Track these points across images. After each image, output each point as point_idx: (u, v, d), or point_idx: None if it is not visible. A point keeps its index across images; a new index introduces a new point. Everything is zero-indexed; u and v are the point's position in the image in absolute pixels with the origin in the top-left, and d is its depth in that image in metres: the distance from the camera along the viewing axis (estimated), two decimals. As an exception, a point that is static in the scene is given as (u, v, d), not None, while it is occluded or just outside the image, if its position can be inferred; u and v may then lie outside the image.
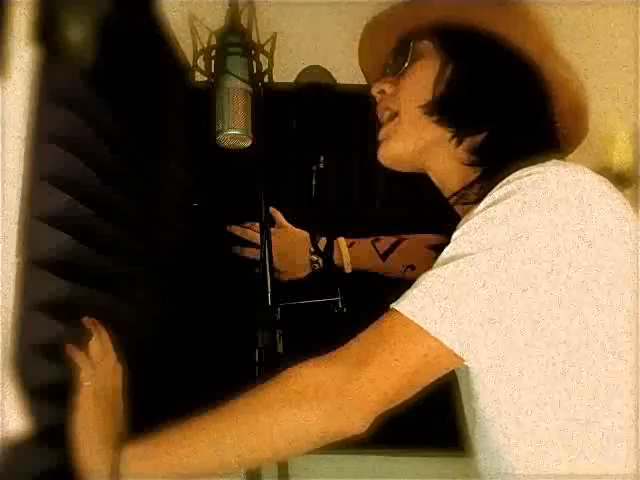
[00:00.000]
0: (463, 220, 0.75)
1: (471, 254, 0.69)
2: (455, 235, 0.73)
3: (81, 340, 0.78)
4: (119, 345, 0.82)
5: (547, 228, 0.68)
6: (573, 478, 0.72)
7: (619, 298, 0.70)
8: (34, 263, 0.71)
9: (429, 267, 0.72)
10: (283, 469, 0.98)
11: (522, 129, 0.81)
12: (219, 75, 1.00)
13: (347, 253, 1.22)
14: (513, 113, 0.82)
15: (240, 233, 1.26)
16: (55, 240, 0.73)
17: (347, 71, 1.03)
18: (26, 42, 0.70)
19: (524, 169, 0.73)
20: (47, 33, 0.71)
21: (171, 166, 1.19)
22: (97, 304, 0.83)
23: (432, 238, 1.05)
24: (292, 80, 1.05)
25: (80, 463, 0.73)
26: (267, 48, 1.02)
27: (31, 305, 0.71)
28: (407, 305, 0.70)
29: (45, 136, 0.72)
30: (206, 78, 1.02)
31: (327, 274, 1.22)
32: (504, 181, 0.73)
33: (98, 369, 0.78)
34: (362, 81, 1.01)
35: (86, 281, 0.78)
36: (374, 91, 0.91)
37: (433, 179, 0.90)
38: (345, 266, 1.22)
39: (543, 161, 0.74)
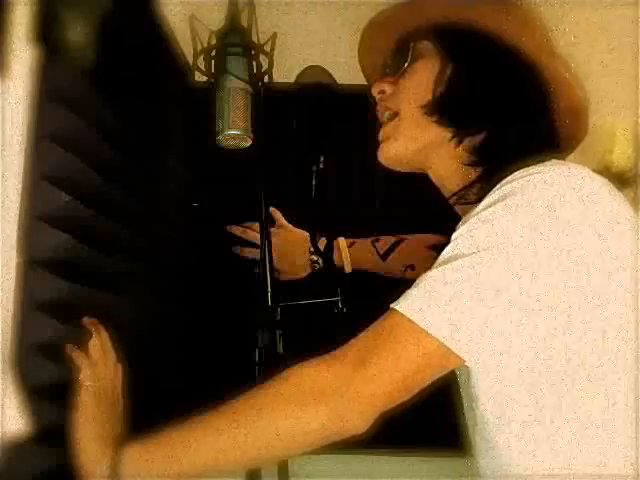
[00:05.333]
0: (463, 220, 0.75)
1: (471, 254, 0.69)
2: (455, 235, 0.73)
3: (81, 340, 0.78)
4: (119, 345, 0.82)
5: (546, 229, 0.68)
6: (573, 478, 0.72)
7: (619, 297, 0.70)
8: (34, 263, 0.71)
9: (429, 267, 0.72)
10: (283, 469, 0.98)
11: (522, 129, 0.81)
12: (219, 75, 1.00)
13: (347, 253, 1.22)
14: (513, 113, 0.82)
15: (240, 233, 1.26)
16: (55, 240, 0.73)
17: (347, 71, 1.03)
18: (26, 42, 0.70)
19: (524, 169, 0.73)
20: (47, 33, 0.71)
21: (171, 165, 1.19)
22: (97, 304, 0.83)
23: (432, 238, 1.05)
24: (292, 80, 1.05)
25: (80, 463, 0.73)
26: (267, 48, 1.02)
27: (31, 305, 0.70)
28: (407, 305, 0.70)
29: (45, 136, 0.72)
30: (206, 78, 1.02)
31: (327, 274, 1.22)
32: (504, 181, 0.73)
33: (98, 369, 0.78)
34: (362, 81, 1.01)
35: (86, 281, 0.78)
36: (374, 91, 0.91)
37: (433, 179, 0.90)
38: (345, 266, 1.22)
39: (543, 161, 0.74)
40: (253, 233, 1.23)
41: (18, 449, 0.69)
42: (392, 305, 0.71)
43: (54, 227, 0.72)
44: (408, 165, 0.90)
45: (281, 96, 1.01)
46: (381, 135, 0.90)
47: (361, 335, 0.72)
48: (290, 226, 1.27)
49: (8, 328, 0.69)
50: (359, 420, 0.69)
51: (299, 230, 1.27)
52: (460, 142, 0.84)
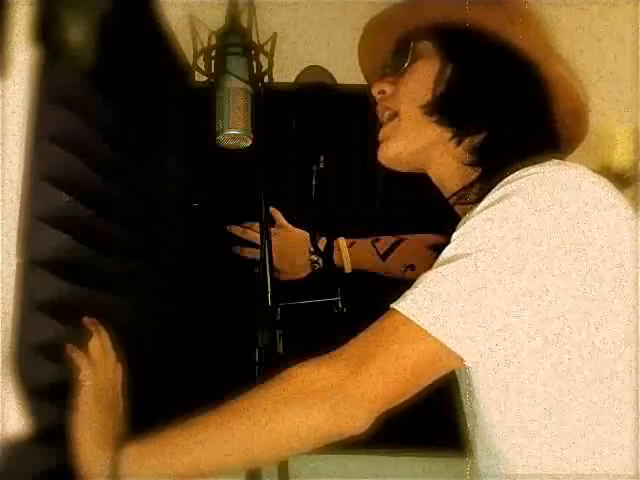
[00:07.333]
0: (463, 220, 0.75)
1: (471, 254, 0.69)
2: (455, 235, 0.73)
3: (81, 340, 0.78)
4: (119, 345, 0.82)
5: (547, 228, 0.68)
6: (573, 478, 0.72)
7: (619, 297, 0.70)
8: (34, 263, 0.71)
9: (429, 267, 0.72)
10: (283, 469, 0.98)
11: (522, 129, 0.81)
12: (219, 75, 1.00)
13: (347, 253, 1.22)
14: (513, 113, 0.82)
15: (240, 233, 1.27)
16: (55, 240, 0.73)
17: (347, 71, 1.03)
18: (26, 42, 0.70)
19: (524, 169, 0.73)
20: (47, 33, 0.71)
21: (171, 165, 1.20)
22: (97, 304, 0.83)
23: (432, 238, 1.05)
24: (292, 80, 1.05)
25: (80, 463, 0.73)
26: (267, 48, 1.02)
27: (31, 305, 0.71)
28: (407, 305, 0.70)
29: (45, 136, 0.72)
30: (206, 78, 1.02)
31: (327, 274, 1.22)
32: (504, 181, 0.73)
33: (98, 369, 0.78)
34: (362, 81, 1.01)
35: (86, 281, 0.78)
36: (374, 91, 0.91)
37: (433, 179, 0.90)
38: (345, 266, 1.22)
39: (543, 161, 0.74)
40: (253, 233, 1.23)
41: (18, 449, 0.69)
42: (392, 305, 0.71)
43: (54, 227, 0.72)
44: (408, 165, 0.90)
45: (281, 96, 1.01)
46: (381, 135, 0.90)
47: (361, 335, 0.72)
48: (290, 226, 1.27)
49: (8, 328, 0.69)
50: (359, 420, 0.69)
51: (299, 230, 1.27)
52: (460, 142, 0.84)
